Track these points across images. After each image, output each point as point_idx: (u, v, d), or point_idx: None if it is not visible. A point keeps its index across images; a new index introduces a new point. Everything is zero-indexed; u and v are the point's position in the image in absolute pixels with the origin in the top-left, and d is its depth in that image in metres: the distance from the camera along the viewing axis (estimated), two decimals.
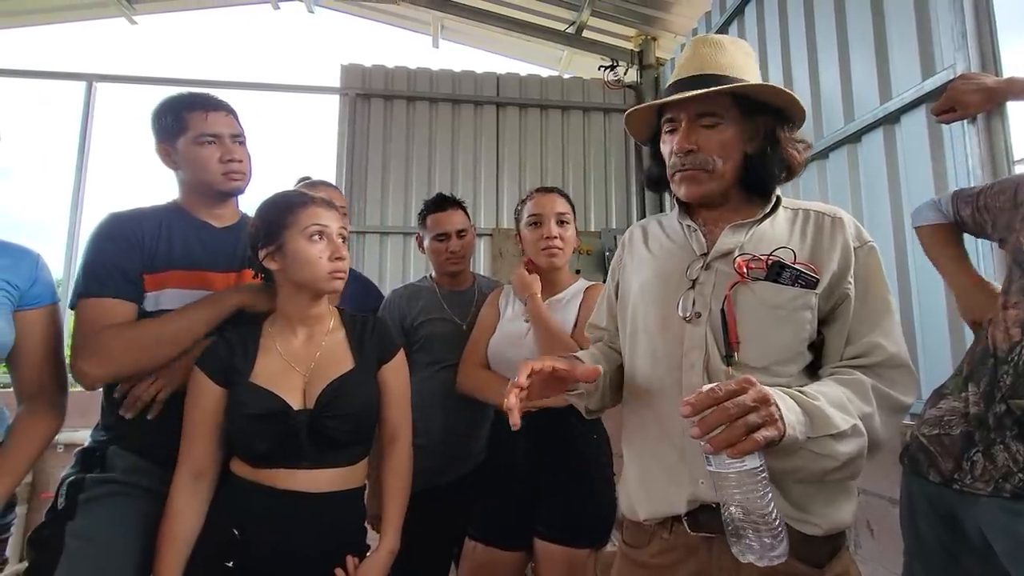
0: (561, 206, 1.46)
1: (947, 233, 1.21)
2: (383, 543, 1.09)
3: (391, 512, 1.12)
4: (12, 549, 1.07)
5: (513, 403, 0.79)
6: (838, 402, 0.75)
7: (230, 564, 0.98)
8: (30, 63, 3.70)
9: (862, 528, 1.65)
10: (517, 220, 1.51)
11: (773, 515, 0.65)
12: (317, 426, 1.04)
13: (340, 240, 1.11)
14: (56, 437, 1.13)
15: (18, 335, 1.05)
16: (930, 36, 1.77)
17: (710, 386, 0.67)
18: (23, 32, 4.02)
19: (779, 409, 0.67)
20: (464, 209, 1.70)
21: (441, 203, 1.67)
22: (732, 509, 0.66)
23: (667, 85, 0.95)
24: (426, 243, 1.67)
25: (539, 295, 1.41)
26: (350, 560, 1.03)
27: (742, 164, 0.90)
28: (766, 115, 0.90)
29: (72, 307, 1.12)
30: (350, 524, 1.09)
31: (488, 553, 1.35)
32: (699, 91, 0.86)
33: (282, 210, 1.10)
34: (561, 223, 1.44)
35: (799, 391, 0.75)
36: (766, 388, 0.68)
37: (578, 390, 0.95)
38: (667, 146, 0.94)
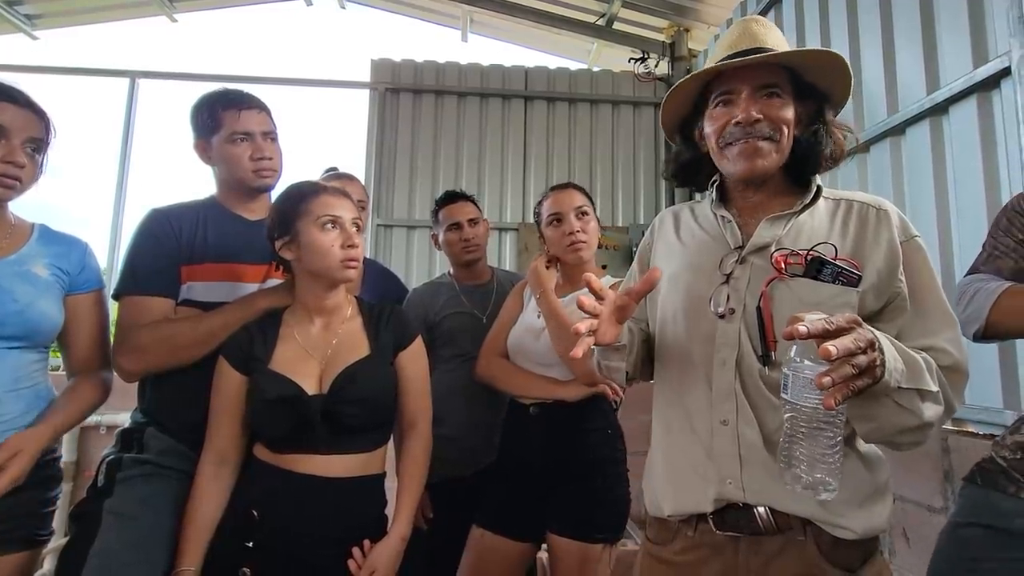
0: (579, 199, 1.45)
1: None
2: (394, 529, 1.08)
3: (404, 499, 1.12)
4: (57, 524, 1.12)
5: (583, 329, 0.75)
6: (927, 365, 0.73)
7: (249, 544, 1.01)
8: (76, 62, 3.86)
9: (897, 536, 1.60)
10: (537, 221, 1.51)
11: (836, 455, 0.62)
12: (331, 411, 1.05)
13: (354, 229, 1.11)
14: (99, 419, 1.19)
15: (68, 318, 1.13)
16: (983, 21, 1.68)
17: (820, 317, 0.61)
18: (70, 32, 4.19)
19: (883, 354, 0.64)
20: (475, 203, 1.73)
21: (451, 196, 1.73)
22: (793, 440, 0.63)
23: (714, 62, 0.90)
24: (441, 237, 1.71)
25: (552, 290, 1.40)
26: (366, 544, 1.04)
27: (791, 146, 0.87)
28: (813, 99, 0.88)
29: (115, 298, 1.18)
30: (369, 510, 1.10)
31: (495, 541, 1.36)
32: (776, 52, 0.83)
33: (296, 200, 1.12)
34: (581, 216, 1.43)
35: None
36: (870, 329, 0.64)
37: (622, 341, 0.89)
38: (717, 121, 0.88)
